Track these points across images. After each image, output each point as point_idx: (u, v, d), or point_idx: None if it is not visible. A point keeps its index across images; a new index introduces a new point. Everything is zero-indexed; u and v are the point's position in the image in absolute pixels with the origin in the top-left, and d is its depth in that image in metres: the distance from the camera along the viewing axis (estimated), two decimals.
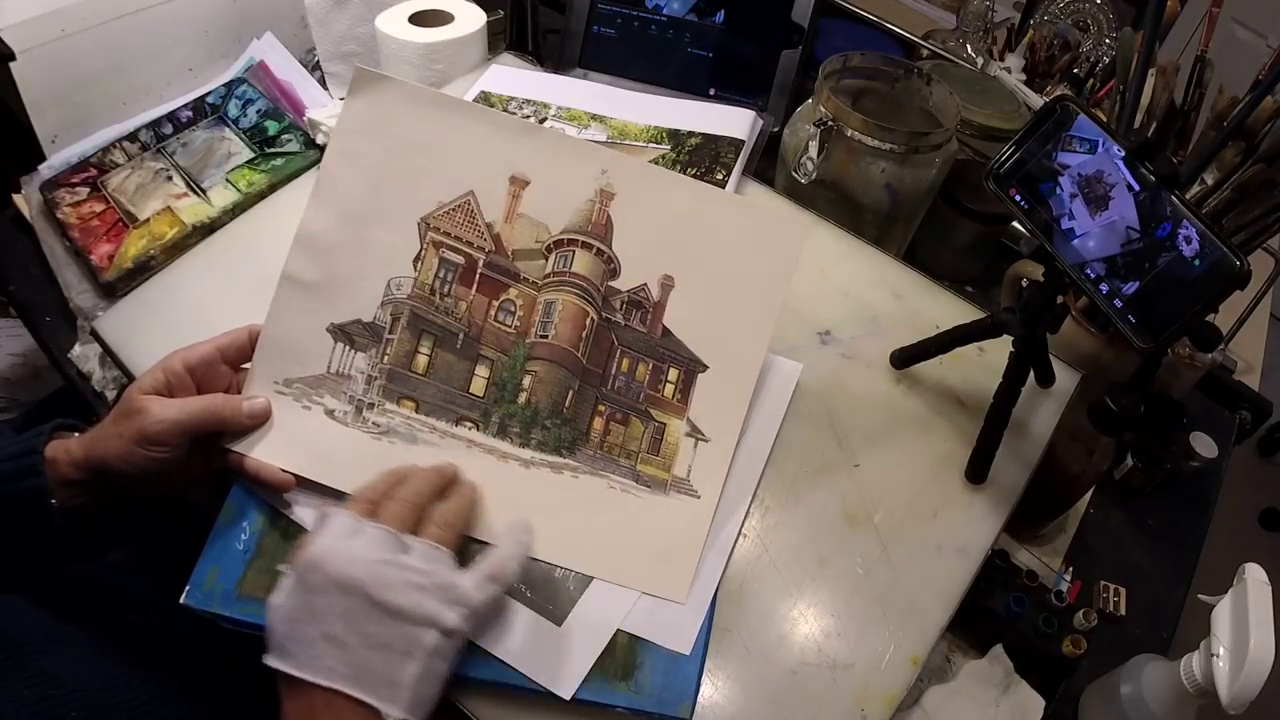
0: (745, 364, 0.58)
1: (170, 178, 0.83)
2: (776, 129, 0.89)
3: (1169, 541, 0.74)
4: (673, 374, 0.58)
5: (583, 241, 0.58)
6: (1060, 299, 0.57)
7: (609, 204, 0.58)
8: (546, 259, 0.58)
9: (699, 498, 0.56)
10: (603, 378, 0.57)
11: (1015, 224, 0.91)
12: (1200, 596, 0.56)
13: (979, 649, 0.62)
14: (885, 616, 0.55)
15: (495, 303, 0.57)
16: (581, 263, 0.58)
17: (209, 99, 0.89)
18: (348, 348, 0.57)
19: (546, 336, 0.57)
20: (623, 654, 0.51)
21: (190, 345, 0.54)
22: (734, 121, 0.86)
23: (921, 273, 0.76)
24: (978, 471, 0.61)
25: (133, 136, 0.84)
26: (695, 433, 0.57)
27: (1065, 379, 0.68)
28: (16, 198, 0.85)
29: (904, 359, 0.67)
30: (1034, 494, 0.63)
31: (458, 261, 0.57)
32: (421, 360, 0.57)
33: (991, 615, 0.61)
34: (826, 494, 0.60)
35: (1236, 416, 0.86)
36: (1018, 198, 0.55)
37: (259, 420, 0.54)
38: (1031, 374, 0.62)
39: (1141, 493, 0.76)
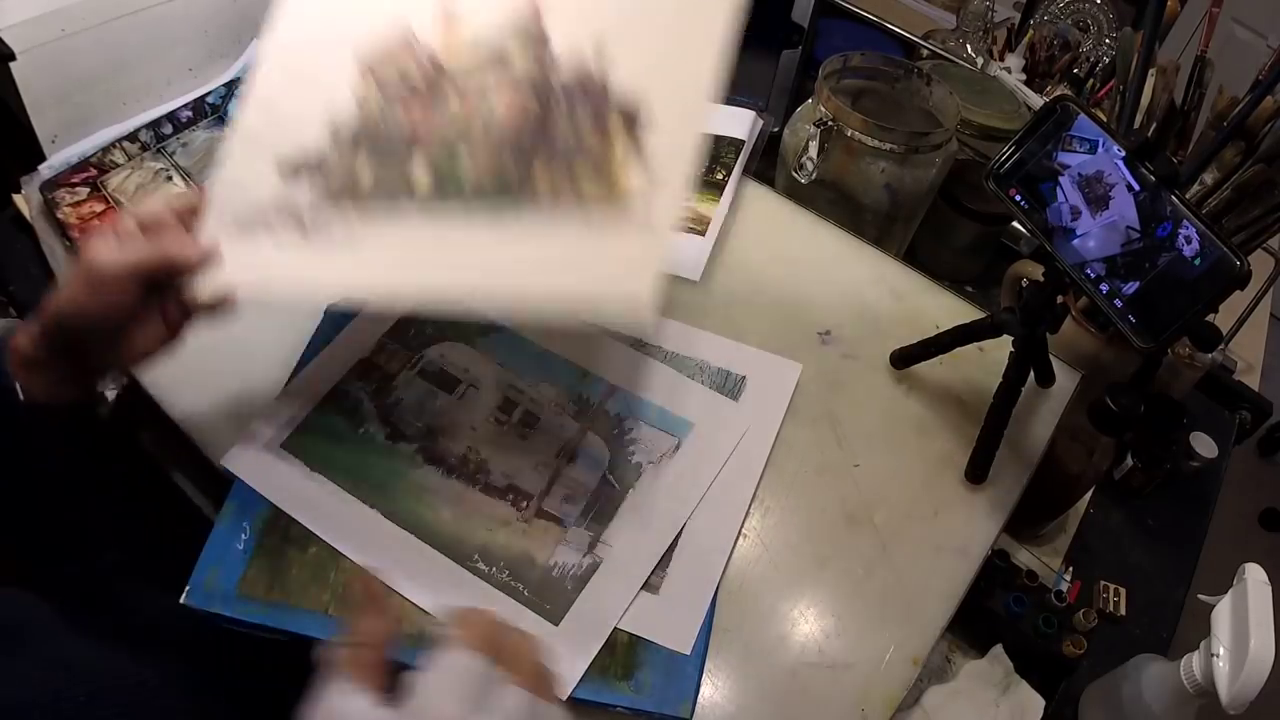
0: (692, 111, 0.55)
1: (170, 178, 0.83)
2: (776, 129, 0.89)
3: (1169, 541, 0.74)
4: (618, 125, 0.55)
5: (516, 29, 0.56)
6: (1060, 299, 0.58)
7: None
8: (482, 59, 0.56)
9: (653, 224, 0.52)
10: (547, 144, 0.55)
11: (1015, 224, 0.91)
12: (1200, 596, 0.56)
13: (979, 649, 0.62)
14: (885, 616, 0.55)
15: (434, 112, 0.56)
16: (515, 44, 0.56)
17: (209, 99, 0.88)
18: (294, 177, 0.56)
19: (485, 122, 0.55)
20: (623, 653, 0.51)
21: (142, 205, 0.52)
22: (734, 121, 0.86)
23: (921, 273, 0.76)
24: (978, 471, 0.61)
25: (133, 136, 0.84)
26: (645, 177, 0.53)
27: (1065, 379, 0.68)
28: (16, 198, 0.85)
29: (904, 359, 0.67)
30: (1034, 494, 0.63)
31: (398, 89, 0.57)
32: (364, 177, 0.55)
33: (991, 615, 0.61)
34: (826, 494, 0.60)
35: (1236, 416, 0.86)
36: (1018, 198, 0.55)
37: (209, 258, 0.52)
38: (1031, 374, 0.62)
39: (1141, 493, 0.76)
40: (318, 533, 0.54)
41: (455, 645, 0.39)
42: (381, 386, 0.63)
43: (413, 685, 0.37)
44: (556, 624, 0.51)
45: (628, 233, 0.52)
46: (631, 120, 0.55)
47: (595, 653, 0.50)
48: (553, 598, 0.53)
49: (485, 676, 0.38)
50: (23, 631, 0.49)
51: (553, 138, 0.55)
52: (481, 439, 0.60)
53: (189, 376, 0.63)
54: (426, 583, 0.53)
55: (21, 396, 0.48)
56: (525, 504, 0.57)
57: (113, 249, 0.48)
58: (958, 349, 0.65)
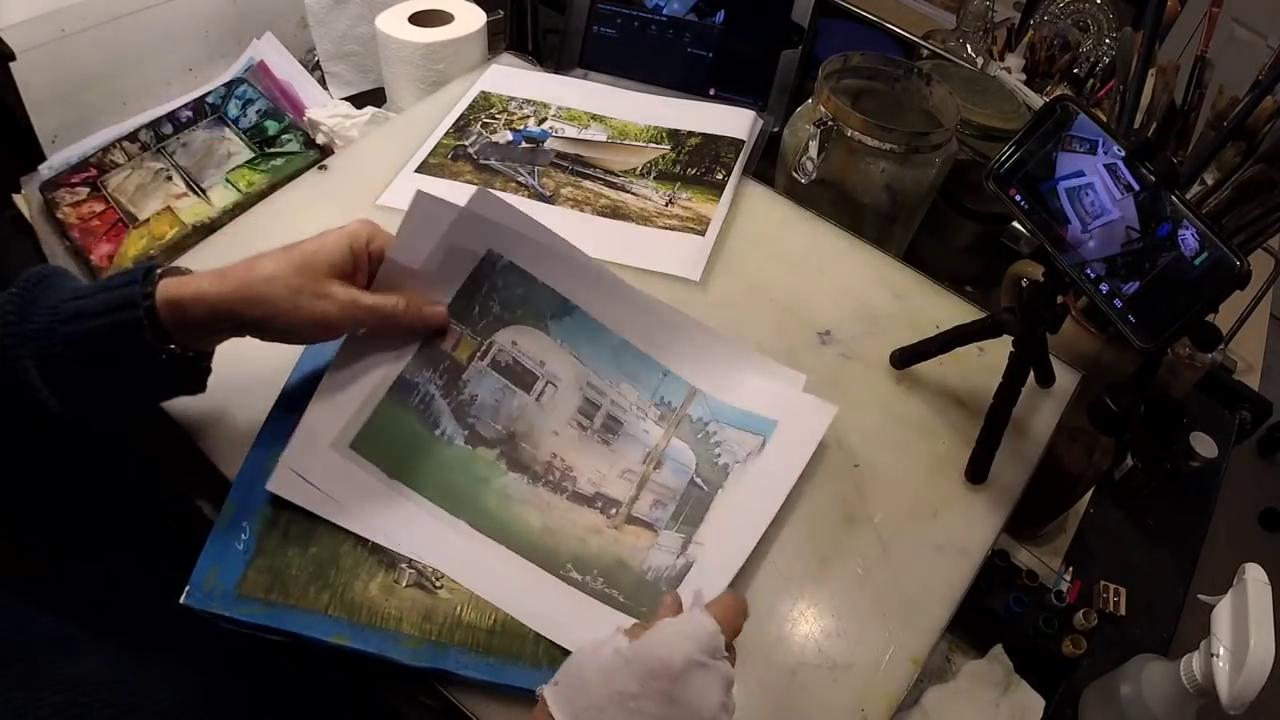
0: None
1: (170, 178, 0.83)
2: (776, 129, 0.89)
3: (1169, 541, 0.74)
4: None
5: None
6: (1060, 299, 0.57)
7: None
8: None
9: None
10: None
11: (1015, 224, 0.91)
12: (1200, 596, 0.56)
13: (979, 649, 0.62)
14: (885, 616, 0.55)
15: None
16: None
17: (209, 99, 0.88)
18: None
19: None
20: None
21: (375, 228, 0.54)
22: (734, 121, 0.86)
23: (921, 273, 0.76)
24: (978, 471, 0.61)
25: (133, 136, 0.84)
26: None
27: (1065, 379, 0.68)
28: (16, 198, 0.85)
29: (904, 359, 0.67)
30: (1034, 494, 0.63)
31: None
32: None
33: (991, 615, 0.61)
34: (826, 494, 0.60)
35: (1236, 416, 0.86)
36: (1018, 198, 0.55)
37: (435, 327, 0.57)
38: (1031, 374, 0.62)
39: (1141, 493, 0.76)
40: (407, 554, 0.52)
41: (700, 610, 0.44)
42: (451, 378, 0.58)
43: (656, 627, 0.42)
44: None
45: None
46: None
47: None
48: (648, 600, 0.53)
49: (715, 637, 0.43)
50: (31, 654, 0.48)
51: None
52: (565, 445, 0.58)
53: None
54: (522, 595, 0.52)
55: (160, 350, 0.49)
56: (614, 511, 0.57)
57: (345, 304, 0.51)
58: (958, 349, 0.65)
